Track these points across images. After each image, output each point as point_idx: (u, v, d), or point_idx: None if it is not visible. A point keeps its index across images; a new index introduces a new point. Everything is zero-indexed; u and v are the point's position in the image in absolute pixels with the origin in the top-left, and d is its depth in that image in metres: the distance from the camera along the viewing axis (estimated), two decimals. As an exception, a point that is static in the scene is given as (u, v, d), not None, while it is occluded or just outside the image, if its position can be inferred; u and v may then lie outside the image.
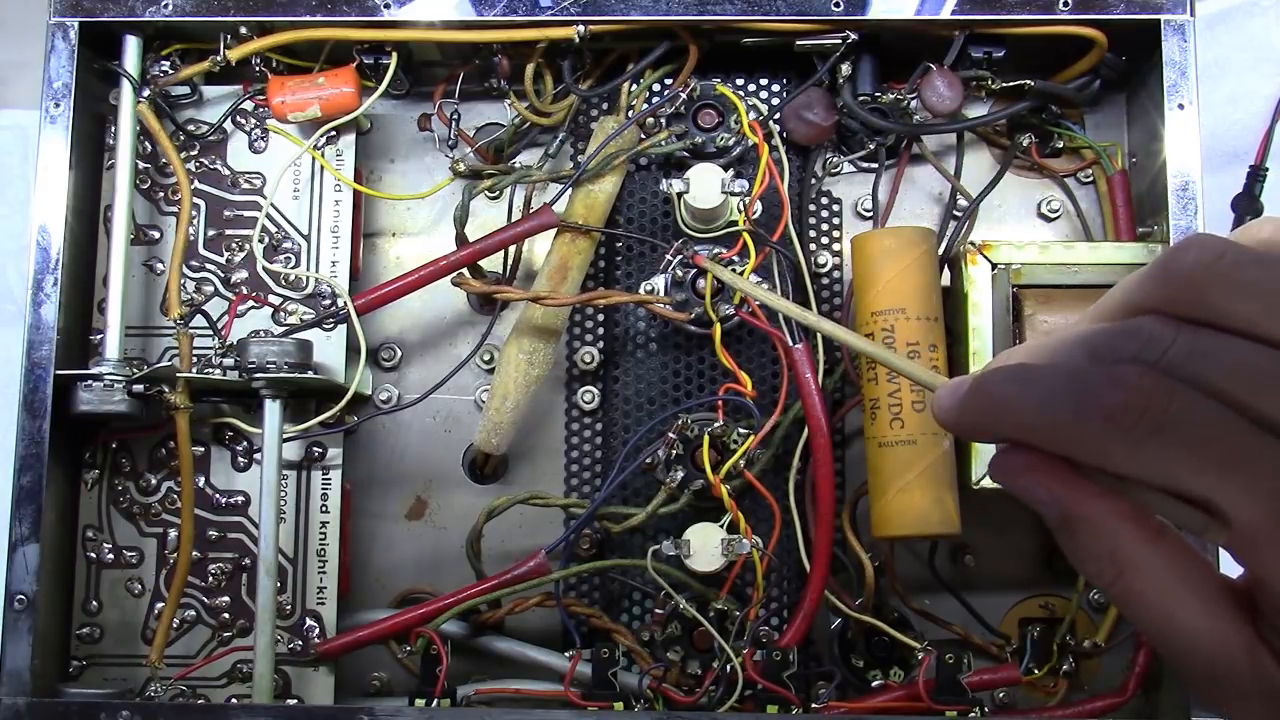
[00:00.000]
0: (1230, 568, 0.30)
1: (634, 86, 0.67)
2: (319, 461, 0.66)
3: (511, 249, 0.67)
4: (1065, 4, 0.62)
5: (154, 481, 0.66)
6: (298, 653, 0.64)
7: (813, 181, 0.70)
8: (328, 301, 0.66)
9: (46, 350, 0.61)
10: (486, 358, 0.70)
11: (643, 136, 0.67)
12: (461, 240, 0.64)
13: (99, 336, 0.65)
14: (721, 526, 0.62)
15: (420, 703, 0.59)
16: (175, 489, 0.66)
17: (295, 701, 0.64)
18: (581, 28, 0.63)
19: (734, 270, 0.64)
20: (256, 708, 0.59)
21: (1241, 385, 0.27)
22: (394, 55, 0.65)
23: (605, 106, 0.69)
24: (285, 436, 0.63)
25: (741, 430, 0.63)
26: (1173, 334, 0.28)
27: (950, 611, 0.67)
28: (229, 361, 0.62)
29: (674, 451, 0.63)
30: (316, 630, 0.65)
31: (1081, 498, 0.29)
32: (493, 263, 0.67)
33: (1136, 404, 0.27)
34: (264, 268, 0.66)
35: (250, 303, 0.66)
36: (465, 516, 0.68)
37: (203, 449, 0.66)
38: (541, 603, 0.65)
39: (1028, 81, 0.66)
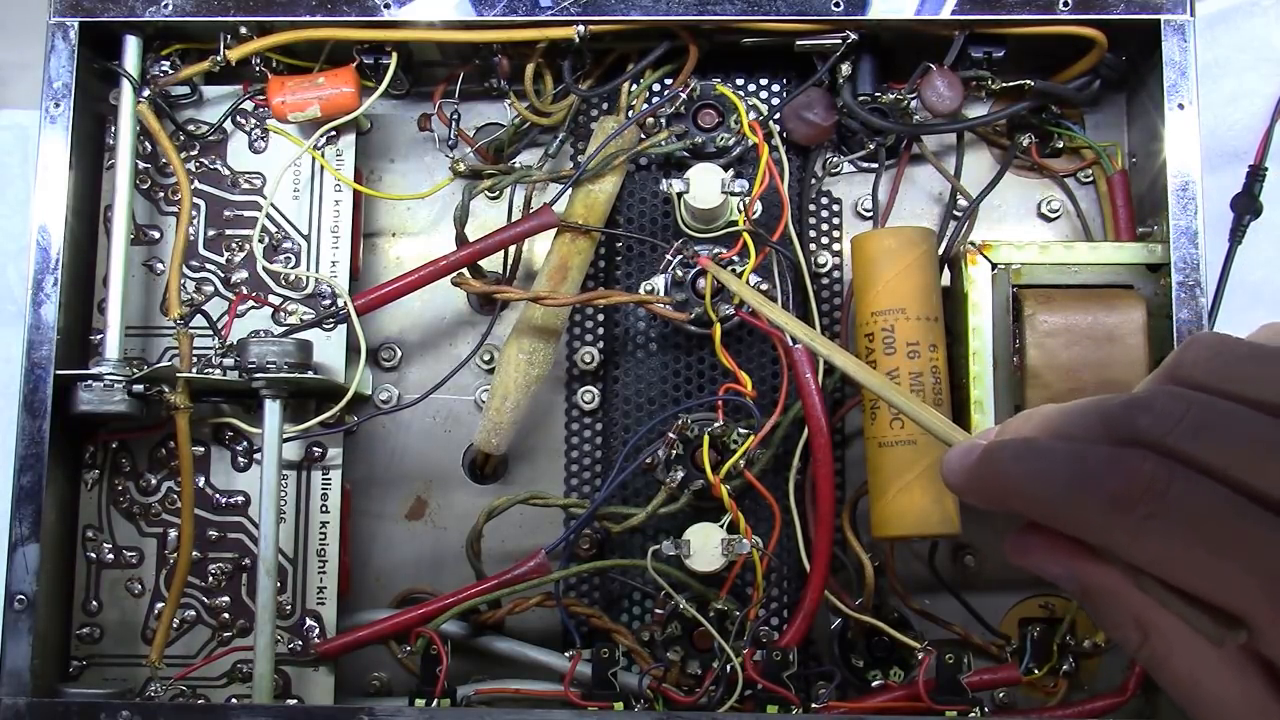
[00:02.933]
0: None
1: (634, 86, 0.67)
2: (319, 461, 0.66)
3: (511, 249, 0.67)
4: (1065, 4, 0.62)
5: (154, 481, 0.66)
6: (298, 653, 0.64)
7: (813, 181, 0.70)
8: (328, 301, 0.66)
9: (46, 350, 0.61)
10: (486, 358, 0.70)
11: (643, 136, 0.67)
12: (461, 240, 0.64)
13: (99, 336, 0.65)
14: (721, 526, 0.62)
15: (420, 703, 0.59)
16: (175, 489, 0.66)
17: (295, 701, 0.64)
18: (581, 28, 0.63)
19: (733, 271, 0.64)
20: (256, 708, 0.59)
21: (1243, 460, 0.26)
22: (394, 55, 0.65)
23: (605, 106, 0.69)
24: (285, 436, 0.63)
25: (741, 430, 0.63)
26: (1184, 408, 0.27)
27: (950, 611, 0.67)
28: (229, 361, 0.62)
29: (674, 451, 0.63)
30: (316, 630, 0.65)
31: (1097, 570, 0.29)
32: (493, 263, 0.67)
33: (1136, 488, 0.27)
34: (264, 268, 0.66)
35: (250, 303, 0.66)
36: (465, 516, 0.68)
37: (203, 449, 0.66)
38: (541, 603, 0.65)
39: (1028, 81, 0.66)
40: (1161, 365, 0.30)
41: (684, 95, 0.66)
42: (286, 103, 0.65)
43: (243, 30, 0.65)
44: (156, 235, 0.68)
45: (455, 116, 0.70)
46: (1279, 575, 0.26)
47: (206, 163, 0.68)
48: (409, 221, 0.72)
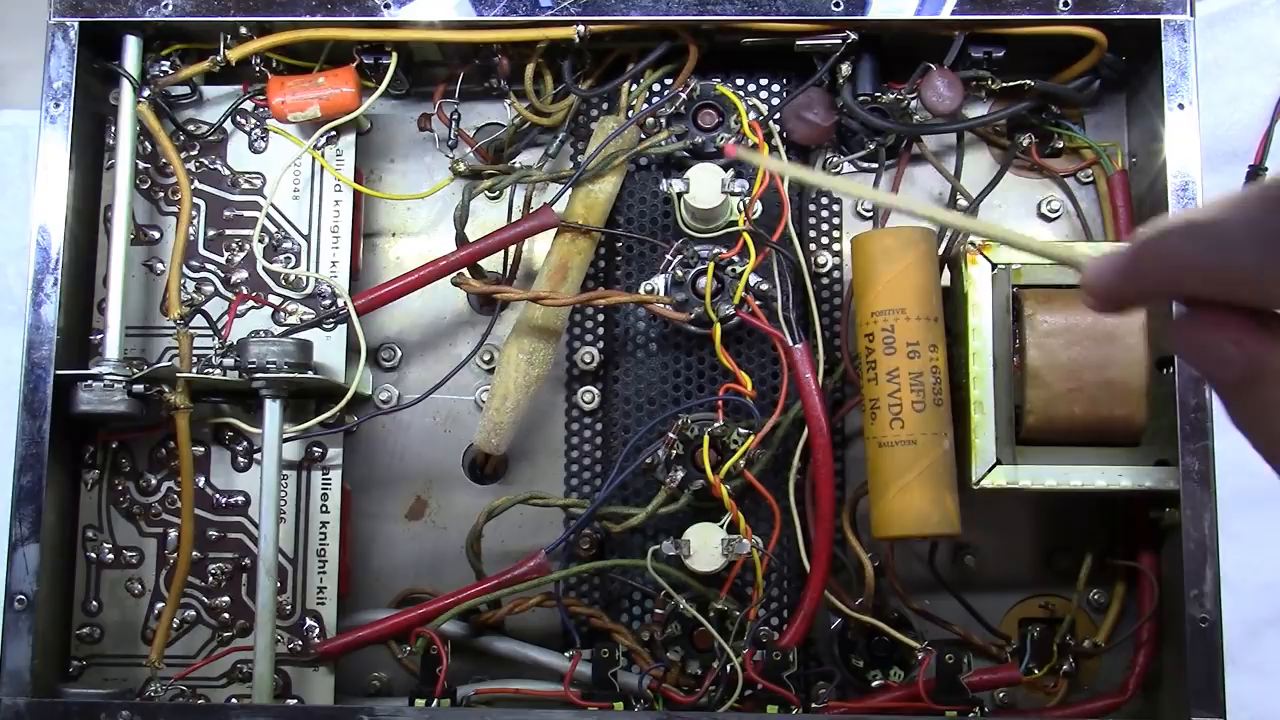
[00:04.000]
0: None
1: (634, 86, 0.67)
2: (319, 461, 0.66)
3: (511, 249, 0.67)
4: (1065, 4, 0.62)
5: (154, 481, 0.66)
6: (298, 653, 0.64)
7: (813, 181, 0.70)
8: (328, 301, 0.66)
9: (46, 350, 0.61)
10: (486, 358, 0.70)
11: (643, 136, 0.67)
12: (461, 240, 0.64)
13: (99, 336, 0.65)
14: (721, 526, 0.62)
15: (420, 703, 0.59)
16: (175, 489, 0.66)
17: (295, 701, 0.64)
18: (581, 28, 0.63)
19: (733, 272, 0.64)
20: (256, 708, 0.59)
21: None
22: (394, 55, 0.65)
23: (605, 106, 0.69)
24: (285, 436, 0.63)
25: (741, 430, 0.63)
26: None
27: (950, 611, 0.67)
28: (229, 361, 0.62)
29: (674, 451, 0.63)
30: (316, 630, 0.65)
31: (1273, 349, 0.29)
32: (493, 263, 0.67)
33: None
34: (264, 268, 0.66)
35: (250, 303, 0.66)
36: (465, 516, 0.68)
37: (203, 449, 0.66)
38: (541, 603, 0.65)
39: (1028, 81, 0.66)
40: None
41: (684, 95, 0.66)
42: (286, 103, 0.65)
43: (243, 30, 0.65)
44: (156, 235, 0.68)
45: (455, 116, 0.70)
46: None
47: (206, 163, 0.68)
48: (409, 221, 0.72)
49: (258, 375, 0.61)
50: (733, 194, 0.64)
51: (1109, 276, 0.31)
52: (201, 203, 0.68)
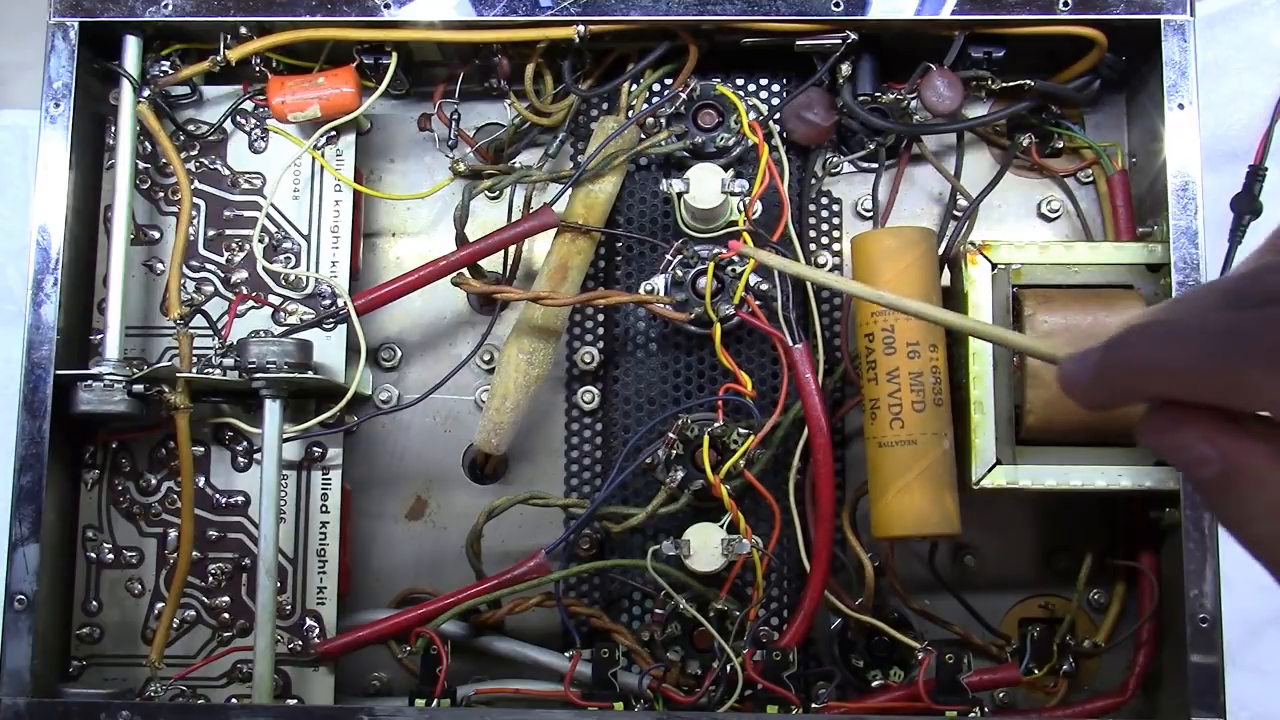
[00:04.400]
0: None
1: (634, 86, 0.67)
2: (319, 461, 0.66)
3: (511, 249, 0.67)
4: (1065, 4, 0.62)
5: (154, 481, 0.66)
6: (298, 653, 0.64)
7: (813, 181, 0.70)
8: (328, 301, 0.66)
9: (46, 350, 0.61)
10: (486, 358, 0.70)
11: (643, 136, 0.67)
12: (461, 240, 0.64)
13: (99, 336, 0.65)
14: (721, 526, 0.62)
15: (420, 703, 0.59)
16: (175, 489, 0.66)
17: (295, 701, 0.64)
18: (581, 28, 0.63)
19: (733, 272, 0.64)
20: (256, 708, 0.59)
21: None
22: (394, 55, 0.65)
23: (605, 106, 0.69)
24: (285, 436, 0.63)
25: (741, 430, 0.63)
26: None
27: (950, 611, 0.67)
28: (229, 361, 0.62)
29: (674, 451, 0.63)
30: (316, 630, 0.65)
31: (1245, 446, 0.28)
32: (493, 263, 0.67)
33: None
34: (264, 268, 0.66)
35: (250, 303, 0.66)
36: (465, 516, 0.68)
37: (203, 449, 0.66)
38: (541, 603, 0.65)
39: (1028, 81, 0.66)
40: (1266, 242, 0.29)
41: (684, 95, 0.66)
42: (286, 103, 0.65)
43: (243, 30, 0.65)
44: (156, 235, 0.68)
45: (455, 116, 0.70)
46: None
47: (206, 163, 0.68)
48: (409, 221, 0.72)
49: (258, 375, 0.61)
50: (733, 194, 0.64)
51: (1082, 382, 0.31)
52: (201, 203, 0.68)
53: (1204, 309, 0.29)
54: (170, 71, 0.66)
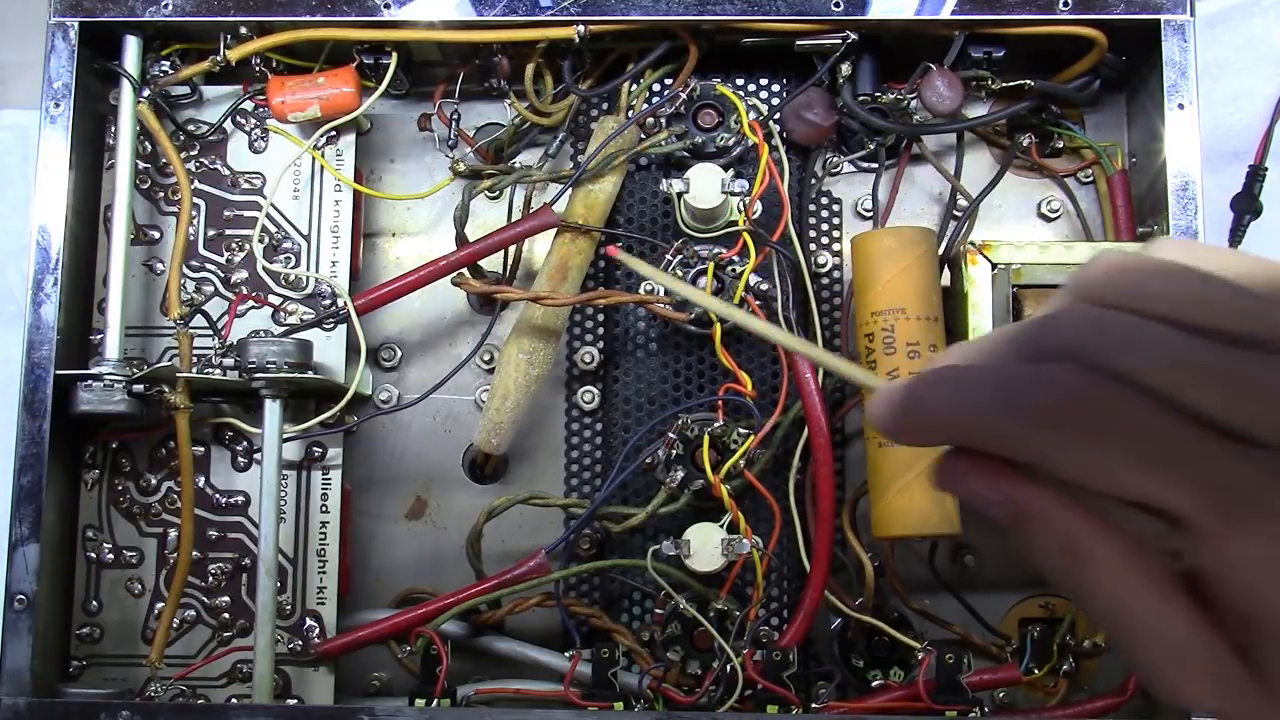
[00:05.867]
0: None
1: (634, 86, 0.67)
2: (319, 461, 0.66)
3: (511, 249, 0.67)
4: (1065, 4, 0.62)
5: (154, 481, 0.66)
6: (298, 653, 0.64)
7: (813, 181, 0.70)
8: (328, 301, 0.66)
9: (46, 350, 0.61)
10: (486, 358, 0.70)
11: (643, 136, 0.67)
12: (461, 240, 0.64)
13: (99, 336, 0.65)
14: (721, 526, 0.62)
15: (420, 703, 0.59)
16: (175, 489, 0.66)
17: (295, 701, 0.64)
18: (581, 28, 0.63)
19: (733, 271, 0.64)
20: (256, 708, 0.59)
21: (1174, 378, 0.26)
22: (394, 55, 0.65)
23: (605, 106, 0.69)
24: (285, 436, 0.63)
25: (741, 430, 0.63)
26: (1101, 323, 0.27)
27: (950, 611, 0.67)
28: (229, 361, 0.62)
29: (674, 451, 0.63)
30: (316, 630, 0.65)
31: (1029, 493, 0.29)
32: (493, 263, 0.67)
33: (1065, 404, 0.26)
34: (264, 268, 0.66)
35: (250, 303, 0.66)
36: (465, 516, 0.68)
37: (203, 449, 0.66)
38: (541, 603, 0.65)
39: (1028, 81, 0.66)
40: (1065, 286, 0.29)
41: (684, 95, 0.66)
42: (286, 103, 0.65)
43: (243, 30, 0.65)
44: (156, 235, 0.68)
45: (455, 116, 0.70)
46: (1223, 485, 0.26)
47: (206, 163, 0.68)
48: (409, 221, 0.72)
49: (258, 375, 0.61)
50: (733, 194, 0.64)
51: (884, 421, 0.31)
52: (201, 203, 0.68)
53: (993, 356, 0.30)
54: (170, 71, 0.66)
